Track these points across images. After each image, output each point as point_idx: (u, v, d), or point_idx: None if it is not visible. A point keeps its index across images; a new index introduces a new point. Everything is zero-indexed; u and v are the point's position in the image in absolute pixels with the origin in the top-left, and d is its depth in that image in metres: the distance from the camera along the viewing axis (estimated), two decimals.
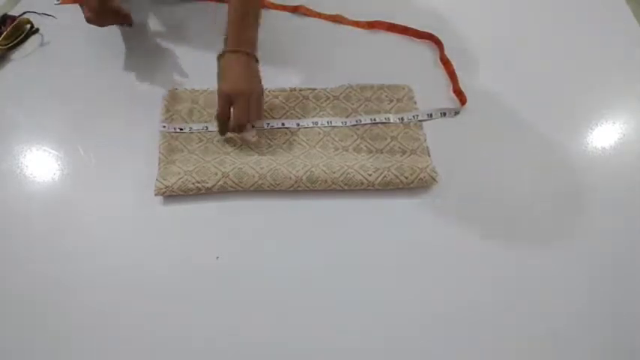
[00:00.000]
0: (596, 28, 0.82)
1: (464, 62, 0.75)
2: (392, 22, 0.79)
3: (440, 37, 0.77)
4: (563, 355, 0.51)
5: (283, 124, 0.67)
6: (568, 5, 0.86)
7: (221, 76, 0.61)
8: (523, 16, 0.84)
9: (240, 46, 0.61)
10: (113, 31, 0.79)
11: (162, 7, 0.82)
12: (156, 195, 0.60)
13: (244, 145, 0.65)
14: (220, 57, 0.62)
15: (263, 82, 0.64)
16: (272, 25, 0.81)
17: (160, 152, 0.64)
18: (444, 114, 0.69)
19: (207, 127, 0.67)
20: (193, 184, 0.60)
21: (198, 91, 0.70)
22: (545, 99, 0.72)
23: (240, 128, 0.61)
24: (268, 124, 0.67)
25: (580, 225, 0.60)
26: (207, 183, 0.60)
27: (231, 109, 0.61)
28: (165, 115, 0.67)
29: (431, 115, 0.68)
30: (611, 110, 0.71)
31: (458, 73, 0.73)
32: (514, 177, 0.64)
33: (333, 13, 0.81)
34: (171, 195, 0.60)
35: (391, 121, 0.67)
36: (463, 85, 0.71)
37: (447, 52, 0.75)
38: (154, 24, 0.81)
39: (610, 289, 0.55)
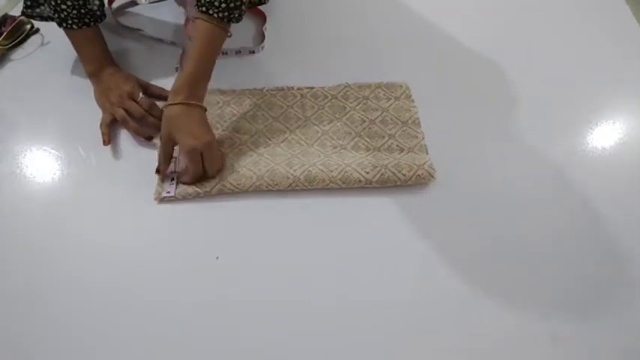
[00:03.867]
0: (596, 28, 0.82)
1: (461, 62, 0.75)
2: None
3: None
4: (564, 355, 0.51)
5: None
6: (568, 6, 0.86)
7: (180, 129, 0.59)
8: (524, 15, 0.84)
9: (197, 100, 0.61)
10: (113, 32, 0.79)
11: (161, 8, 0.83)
12: (155, 200, 0.60)
13: (243, 145, 0.65)
14: (171, 107, 0.59)
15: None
16: (271, 24, 0.81)
17: (159, 154, 0.64)
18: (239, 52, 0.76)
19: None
20: (192, 188, 0.60)
21: None
22: (544, 98, 0.72)
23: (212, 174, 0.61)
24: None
25: (579, 223, 0.60)
26: (205, 187, 0.60)
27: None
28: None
29: (226, 53, 0.76)
30: (611, 110, 0.71)
31: (453, 75, 0.73)
32: (512, 174, 0.64)
33: None
34: (170, 200, 0.60)
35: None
36: (462, 87, 0.72)
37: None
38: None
39: (610, 289, 0.55)
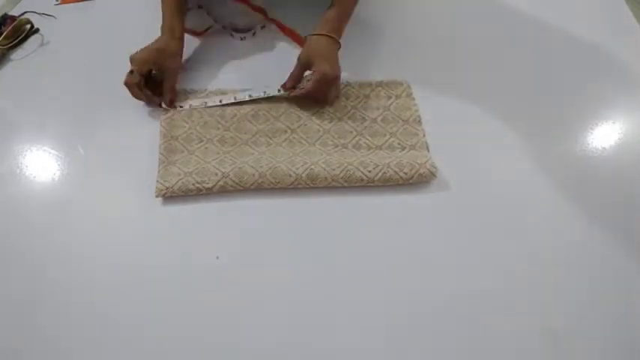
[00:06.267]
0: (596, 28, 0.82)
1: (461, 61, 0.75)
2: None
3: None
4: (563, 354, 0.51)
5: (235, 97, 0.69)
6: (568, 5, 0.86)
7: (320, 57, 0.66)
8: (524, 15, 0.84)
9: (338, 36, 0.69)
10: (113, 31, 0.79)
11: None
12: (157, 196, 0.60)
13: (244, 144, 0.65)
14: (317, 37, 0.68)
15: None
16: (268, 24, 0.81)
17: (160, 153, 0.64)
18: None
19: (205, 103, 0.69)
20: (193, 184, 0.60)
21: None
22: (544, 99, 0.72)
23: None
24: (221, 100, 0.69)
25: (579, 223, 0.60)
26: (207, 184, 0.60)
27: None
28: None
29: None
30: (611, 110, 0.71)
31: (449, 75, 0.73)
32: (513, 171, 0.64)
33: None
34: (172, 196, 0.60)
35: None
36: (463, 84, 0.72)
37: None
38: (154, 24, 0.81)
39: (610, 289, 0.55)
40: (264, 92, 0.69)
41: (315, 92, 0.67)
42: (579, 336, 0.52)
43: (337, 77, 0.67)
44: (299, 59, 0.69)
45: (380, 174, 0.61)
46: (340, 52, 0.69)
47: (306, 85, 0.68)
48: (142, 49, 0.67)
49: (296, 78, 0.69)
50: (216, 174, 0.61)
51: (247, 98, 0.69)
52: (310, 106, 0.69)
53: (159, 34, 0.70)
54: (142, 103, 0.69)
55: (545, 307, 0.54)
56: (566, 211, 0.61)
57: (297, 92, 0.69)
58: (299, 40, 0.77)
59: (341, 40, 0.69)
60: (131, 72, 0.66)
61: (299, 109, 0.69)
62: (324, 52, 0.67)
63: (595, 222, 0.60)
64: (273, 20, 0.80)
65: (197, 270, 0.56)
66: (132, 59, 0.67)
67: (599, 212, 0.61)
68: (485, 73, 0.75)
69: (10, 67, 0.75)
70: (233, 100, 0.69)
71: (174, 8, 0.71)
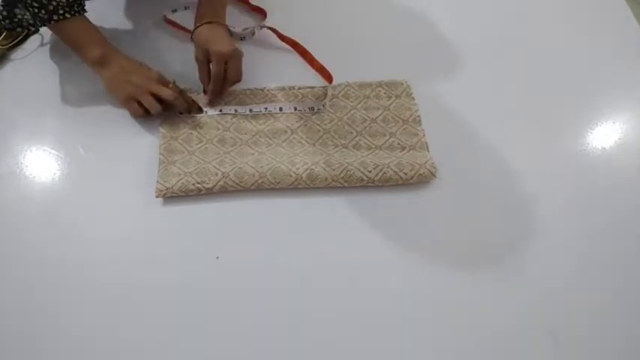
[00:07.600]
0: (596, 28, 0.82)
1: (461, 61, 0.75)
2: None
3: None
4: (563, 354, 0.51)
5: (236, 110, 0.68)
6: (568, 5, 0.86)
7: (210, 41, 0.66)
8: (524, 14, 0.85)
9: (220, 19, 0.70)
10: (113, 32, 0.79)
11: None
12: (157, 197, 0.60)
13: (244, 145, 0.65)
14: (199, 28, 0.68)
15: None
16: (271, 23, 0.81)
17: (160, 153, 0.63)
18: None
19: (205, 112, 0.68)
20: (194, 184, 0.60)
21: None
22: (545, 99, 0.72)
23: (230, 86, 0.69)
24: (221, 110, 0.69)
25: (579, 222, 0.60)
26: (207, 184, 0.60)
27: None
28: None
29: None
30: (611, 110, 0.71)
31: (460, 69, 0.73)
32: (514, 171, 0.64)
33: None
34: (172, 196, 0.60)
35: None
36: (463, 84, 0.72)
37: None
38: (155, 25, 0.81)
39: (610, 289, 0.55)
40: (266, 109, 0.69)
41: (219, 73, 0.65)
42: (579, 336, 0.52)
43: (233, 52, 0.65)
44: (196, 59, 0.68)
45: (380, 174, 0.61)
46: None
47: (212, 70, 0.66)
48: (132, 82, 0.64)
49: (206, 76, 0.68)
50: (217, 174, 0.61)
51: (248, 113, 0.68)
52: (309, 104, 0.69)
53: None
54: None
55: (546, 307, 0.54)
56: (566, 211, 0.61)
57: (212, 88, 0.67)
58: (295, 47, 0.76)
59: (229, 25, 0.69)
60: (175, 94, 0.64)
61: (300, 109, 0.69)
62: (210, 37, 0.66)
63: (595, 222, 0.60)
64: (270, 28, 0.79)
65: (197, 270, 0.56)
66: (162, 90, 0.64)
67: (599, 212, 0.61)
68: (486, 73, 0.75)
69: (10, 67, 0.75)
70: (233, 112, 0.68)
71: (93, 25, 0.67)
